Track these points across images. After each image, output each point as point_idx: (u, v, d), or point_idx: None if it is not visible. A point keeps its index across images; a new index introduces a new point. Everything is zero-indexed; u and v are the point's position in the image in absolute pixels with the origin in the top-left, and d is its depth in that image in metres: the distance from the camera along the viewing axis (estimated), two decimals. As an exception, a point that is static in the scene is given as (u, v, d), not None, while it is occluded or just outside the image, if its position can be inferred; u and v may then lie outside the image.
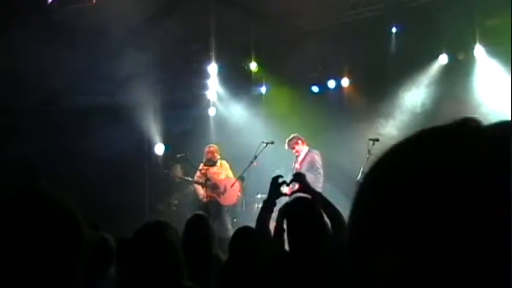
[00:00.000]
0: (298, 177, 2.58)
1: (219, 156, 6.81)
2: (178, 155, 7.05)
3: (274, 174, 2.61)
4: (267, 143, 6.42)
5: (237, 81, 8.45)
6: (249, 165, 6.54)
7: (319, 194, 2.56)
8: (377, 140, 6.02)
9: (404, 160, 0.44)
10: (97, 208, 3.71)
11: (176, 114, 8.25)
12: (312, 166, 6.39)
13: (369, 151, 5.91)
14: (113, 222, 3.94)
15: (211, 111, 8.93)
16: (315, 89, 8.60)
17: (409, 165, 0.43)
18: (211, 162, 6.76)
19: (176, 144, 7.93)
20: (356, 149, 6.77)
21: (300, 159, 6.59)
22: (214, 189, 6.67)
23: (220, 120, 8.80)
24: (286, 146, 6.59)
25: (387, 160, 0.46)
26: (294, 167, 6.44)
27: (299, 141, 6.66)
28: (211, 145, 6.90)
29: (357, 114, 7.84)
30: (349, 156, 6.85)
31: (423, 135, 0.45)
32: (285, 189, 2.49)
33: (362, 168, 5.42)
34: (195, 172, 6.85)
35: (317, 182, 6.21)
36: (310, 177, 6.17)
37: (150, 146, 8.24)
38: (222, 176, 6.69)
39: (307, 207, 2.21)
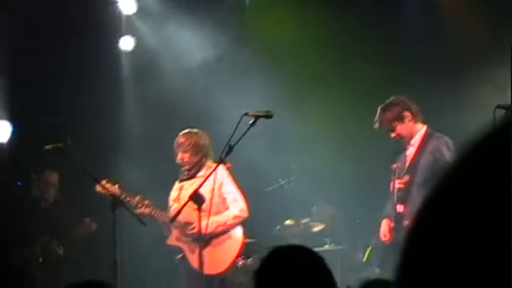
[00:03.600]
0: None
1: (210, 158, 7.19)
2: (48, 146, 6.94)
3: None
4: (256, 117, 6.42)
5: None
6: (215, 169, 6.63)
7: None
8: None
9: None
10: None
11: (39, 54, 8.56)
12: (435, 170, 6.77)
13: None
14: None
15: (126, 43, 9.20)
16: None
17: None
18: (188, 172, 7.19)
19: (39, 121, 8.34)
20: (463, 121, 7.35)
21: (411, 150, 7.02)
22: (185, 236, 7.09)
23: (147, 63, 9.17)
24: (376, 124, 6.99)
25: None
26: (393, 173, 7.01)
27: (405, 114, 6.94)
28: (183, 131, 7.23)
29: (469, 49, 8.21)
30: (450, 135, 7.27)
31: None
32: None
33: None
34: (93, 185, 7.02)
35: None
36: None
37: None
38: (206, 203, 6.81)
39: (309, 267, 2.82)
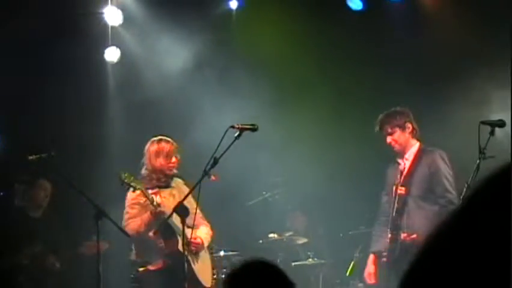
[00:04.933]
0: None
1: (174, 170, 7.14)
2: (32, 157, 6.89)
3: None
4: (241, 129, 6.46)
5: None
6: (200, 181, 6.47)
7: None
8: (500, 124, 6.31)
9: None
10: None
11: (24, 66, 8.46)
12: (432, 183, 6.92)
13: (481, 149, 6.15)
14: None
15: (111, 54, 9.15)
16: (354, 2, 9.07)
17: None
18: (164, 181, 7.04)
19: (24, 131, 8.36)
20: (449, 140, 7.43)
21: (406, 164, 7.08)
22: (187, 245, 6.89)
23: (133, 74, 9.17)
24: (376, 126, 7.11)
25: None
26: (392, 183, 7.09)
27: (408, 125, 7.06)
28: (164, 138, 7.16)
29: (454, 59, 8.18)
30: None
31: None
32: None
33: (467, 185, 5.95)
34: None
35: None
36: (424, 212, 6.93)
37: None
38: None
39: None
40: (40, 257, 8.04)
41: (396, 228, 6.79)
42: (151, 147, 7.01)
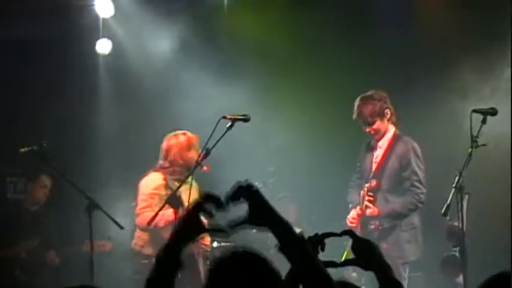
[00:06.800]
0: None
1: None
2: (23, 149, 6.94)
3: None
4: (233, 120, 6.53)
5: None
6: (192, 172, 6.62)
7: (387, 268, 2.74)
8: (492, 112, 6.32)
9: None
10: None
11: (15, 56, 8.42)
12: (401, 176, 6.91)
13: (473, 138, 6.17)
14: None
15: (102, 46, 9.16)
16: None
17: None
18: (185, 175, 6.87)
19: (15, 123, 8.31)
20: (441, 126, 7.56)
21: (379, 152, 7.03)
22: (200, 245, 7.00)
23: (124, 66, 9.17)
24: (355, 114, 6.99)
25: None
26: (366, 168, 7.09)
27: (387, 111, 6.96)
28: (186, 131, 7.14)
29: (442, 51, 8.11)
30: (427, 140, 7.31)
31: None
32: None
33: (460, 174, 6.00)
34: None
35: (408, 210, 6.84)
36: (389, 205, 6.97)
37: None
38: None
39: None
40: (38, 252, 7.98)
41: (364, 221, 6.86)
42: (178, 140, 6.99)
